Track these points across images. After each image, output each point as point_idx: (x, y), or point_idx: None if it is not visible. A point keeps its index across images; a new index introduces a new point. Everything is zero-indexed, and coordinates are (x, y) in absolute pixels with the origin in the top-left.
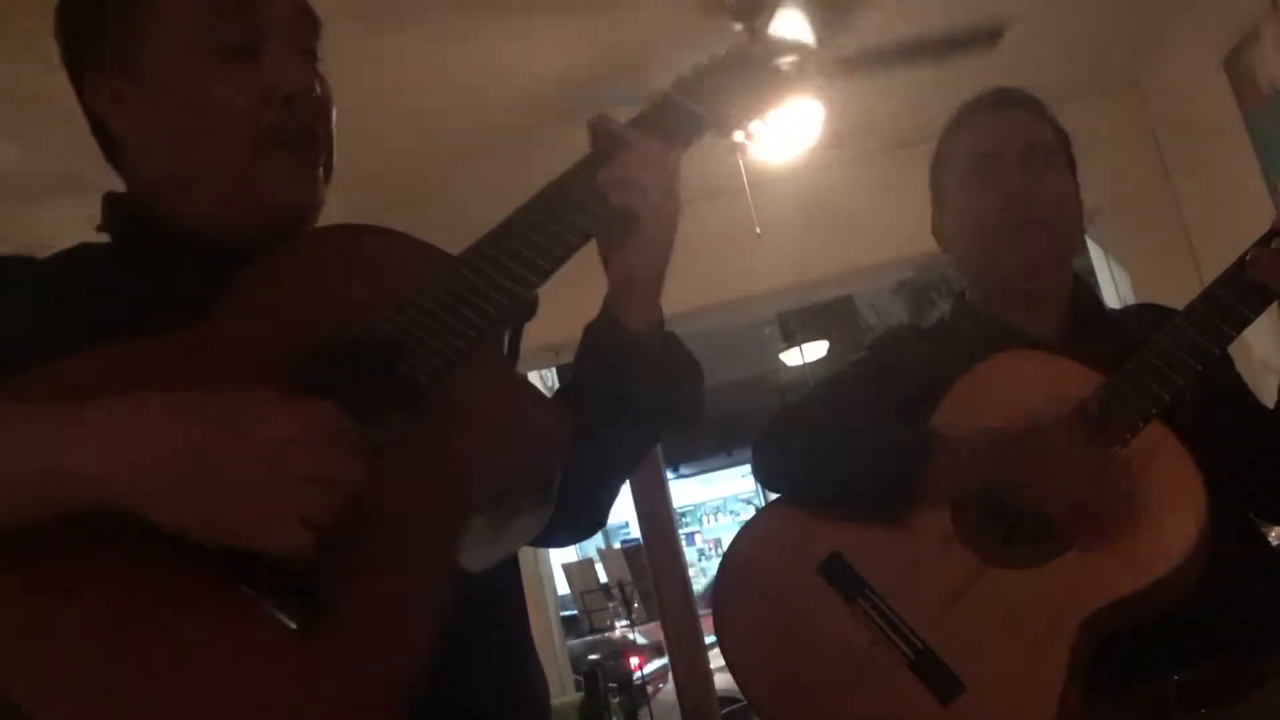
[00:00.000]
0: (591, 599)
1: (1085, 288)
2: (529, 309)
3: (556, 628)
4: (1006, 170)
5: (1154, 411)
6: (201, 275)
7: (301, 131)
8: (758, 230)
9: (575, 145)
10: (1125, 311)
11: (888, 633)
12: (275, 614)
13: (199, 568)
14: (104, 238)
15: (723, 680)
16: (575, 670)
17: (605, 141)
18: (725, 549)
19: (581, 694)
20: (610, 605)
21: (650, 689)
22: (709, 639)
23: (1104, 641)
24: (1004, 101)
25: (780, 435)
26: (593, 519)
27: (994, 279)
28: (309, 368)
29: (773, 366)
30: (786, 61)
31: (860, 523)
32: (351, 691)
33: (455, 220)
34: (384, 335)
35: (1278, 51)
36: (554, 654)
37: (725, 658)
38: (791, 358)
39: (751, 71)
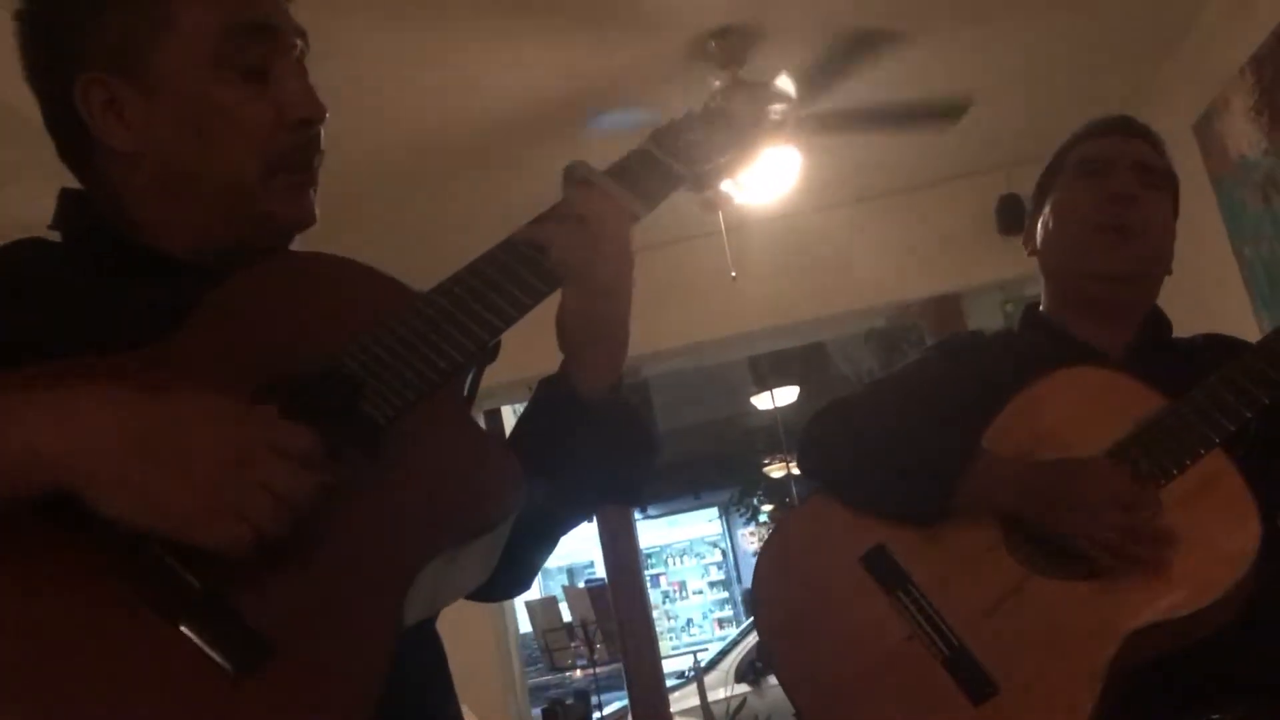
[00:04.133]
0: (554, 638)
1: (1160, 315)
2: (491, 353)
3: (518, 665)
4: (1115, 174)
5: (1216, 440)
6: (165, 290)
7: (306, 156)
8: (733, 274)
9: (541, 168)
10: (1192, 340)
11: (926, 629)
12: (210, 653)
13: (133, 601)
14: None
15: None
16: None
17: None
18: (771, 529)
19: None
20: (573, 644)
21: None
22: (670, 683)
23: (1139, 673)
24: (1128, 127)
25: (828, 428)
26: (516, 579)
27: (1076, 281)
28: (267, 400)
29: (743, 409)
30: (763, 118)
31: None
32: None
33: (411, 233)
34: (345, 372)
35: (1246, 120)
36: (514, 691)
37: (760, 637)
38: (762, 401)
39: (728, 130)
